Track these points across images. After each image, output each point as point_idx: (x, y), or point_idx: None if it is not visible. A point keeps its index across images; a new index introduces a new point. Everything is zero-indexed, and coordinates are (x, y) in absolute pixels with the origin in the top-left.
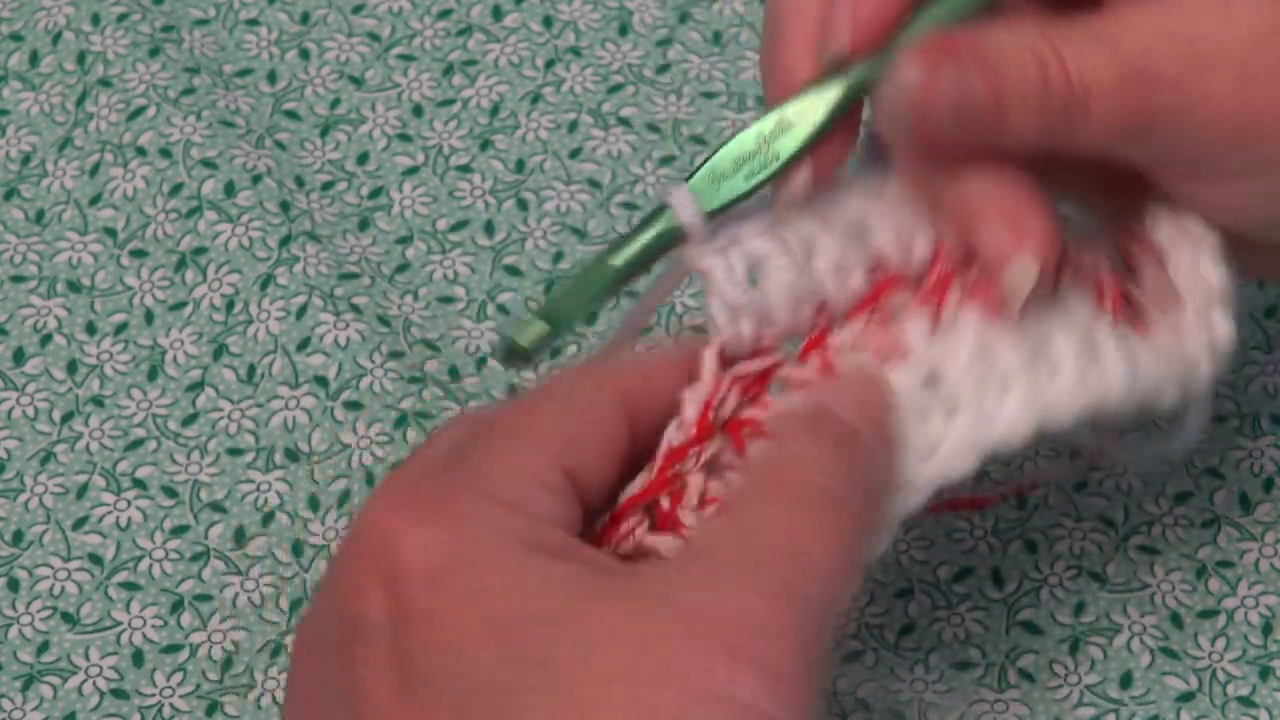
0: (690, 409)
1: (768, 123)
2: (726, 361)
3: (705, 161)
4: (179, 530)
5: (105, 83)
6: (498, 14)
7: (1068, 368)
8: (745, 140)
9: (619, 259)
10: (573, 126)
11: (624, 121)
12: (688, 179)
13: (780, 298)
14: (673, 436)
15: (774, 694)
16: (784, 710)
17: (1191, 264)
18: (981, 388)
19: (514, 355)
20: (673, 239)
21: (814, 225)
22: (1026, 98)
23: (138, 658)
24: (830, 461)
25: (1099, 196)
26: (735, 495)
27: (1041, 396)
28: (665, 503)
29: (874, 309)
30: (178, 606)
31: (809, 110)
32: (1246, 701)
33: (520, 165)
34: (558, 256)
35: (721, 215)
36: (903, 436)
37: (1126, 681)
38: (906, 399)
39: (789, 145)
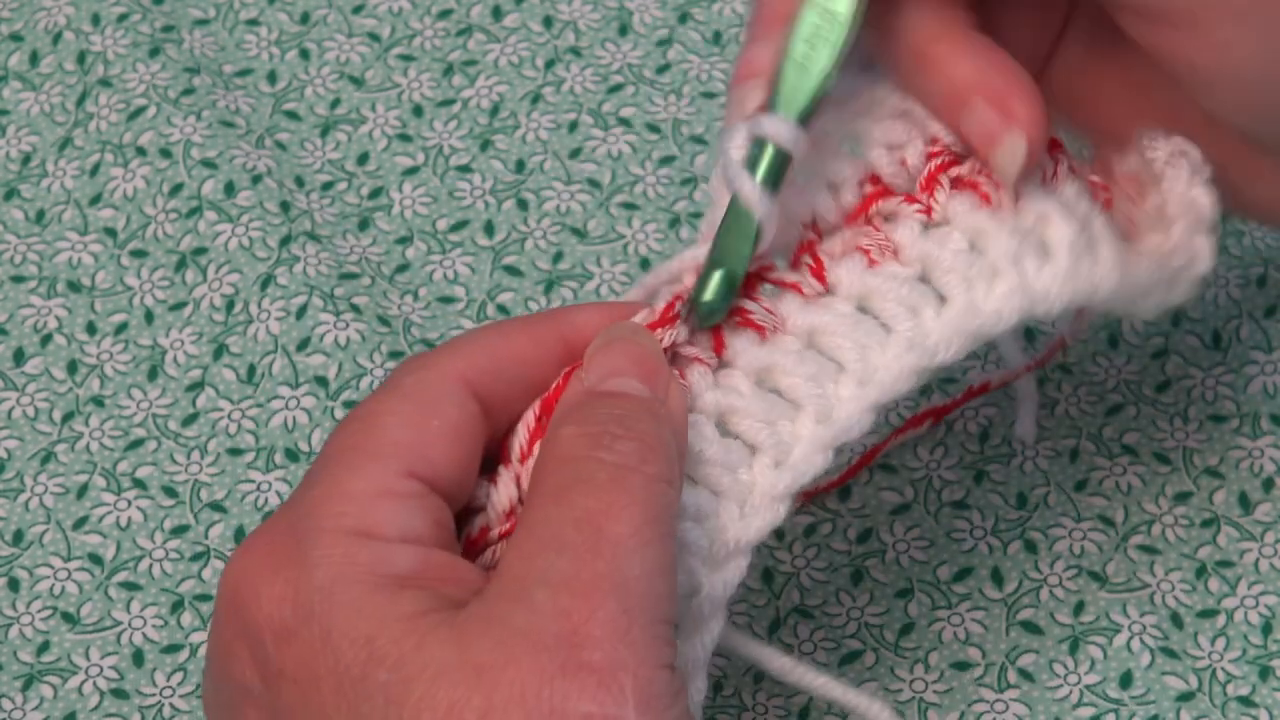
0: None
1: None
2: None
3: (782, 65)
4: (179, 530)
5: (105, 83)
6: (498, 14)
7: (1062, 254)
8: (806, 23)
9: (758, 180)
10: (573, 126)
11: (624, 121)
12: (770, 105)
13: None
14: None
15: (611, 693)
16: (628, 709)
17: (1185, 186)
18: (970, 276)
19: (708, 313)
20: (785, 160)
21: (807, 142)
22: None
23: (138, 658)
24: (602, 435)
25: (1098, 118)
26: (526, 503)
27: (1031, 284)
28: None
29: (866, 217)
30: (178, 606)
31: None
32: (1246, 701)
33: (520, 165)
34: (558, 256)
35: (817, 106)
36: (893, 331)
37: (1126, 681)
38: (897, 295)
39: (842, 3)
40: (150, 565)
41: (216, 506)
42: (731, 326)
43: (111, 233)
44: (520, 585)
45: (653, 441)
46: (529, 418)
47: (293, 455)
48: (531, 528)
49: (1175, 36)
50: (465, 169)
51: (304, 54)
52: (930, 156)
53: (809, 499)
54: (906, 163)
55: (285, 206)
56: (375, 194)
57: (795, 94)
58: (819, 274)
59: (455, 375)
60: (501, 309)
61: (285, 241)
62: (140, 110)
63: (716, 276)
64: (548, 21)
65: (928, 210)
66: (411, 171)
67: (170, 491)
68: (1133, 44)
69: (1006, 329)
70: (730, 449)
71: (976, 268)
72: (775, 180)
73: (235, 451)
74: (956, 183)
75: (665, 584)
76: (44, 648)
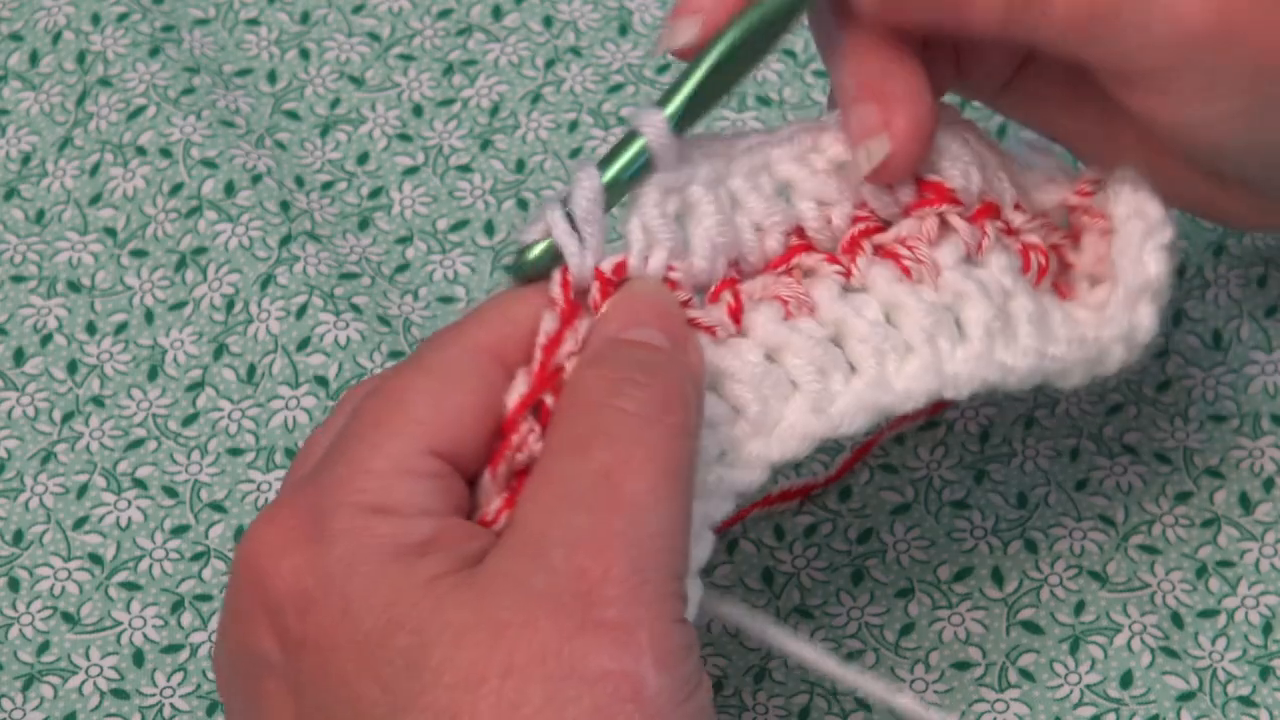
0: (555, 289)
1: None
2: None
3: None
4: (179, 530)
5: (105, 82)
6: (498, 14)
7: (977, 337)
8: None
9: (605, 177)
10: (573, 126)
11: (624, 121)
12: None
13: (701, 243)
14: (548, 328)
15: (629, 650)
16: (645, 663)
17: (1137, 246)
18: (883, 349)
19: (522, 271)
20: (647, 160)
21: (743, 180)
22: None
23: (138, 658)
24: (624, 381)
25: (1072, 130)
26: (545, 449)
27: (943, 365)
28: (550, 400)
29: (787, 267)
30: (178, 606)
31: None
32: (1246, 701)
33: (520, 165)
34: None
35: (692, 115)
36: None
37: (1127, 681)
38: (810, 354)
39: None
40: (150, 565)
41: (217, 506)
42: None
43: (111, 232)
44: (538, 543)
45: (674, 391)
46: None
47: (293, 455)
48: (549, 480)
49: (1151, 98)
50: (465, 169)
51: (304, 54)
52: (855, 220)
53: (806, 497)
54: (832, 222)
55: (285, 206)
56: (375, 194)
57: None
58: (735, 314)
59: (479, 347)
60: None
61: (285, 241)
62: (140, 110)
63: (540, 246)
64: (548, 21)
65: (847, 273)
66: (411, 171)
67: (170, 491)
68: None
69: (914, 408)
70: None
71: (890, 341)
72: (627, 175)
73: (235, 451)
74: (879, 250)
75: (680, 539)
76: (44, 648)
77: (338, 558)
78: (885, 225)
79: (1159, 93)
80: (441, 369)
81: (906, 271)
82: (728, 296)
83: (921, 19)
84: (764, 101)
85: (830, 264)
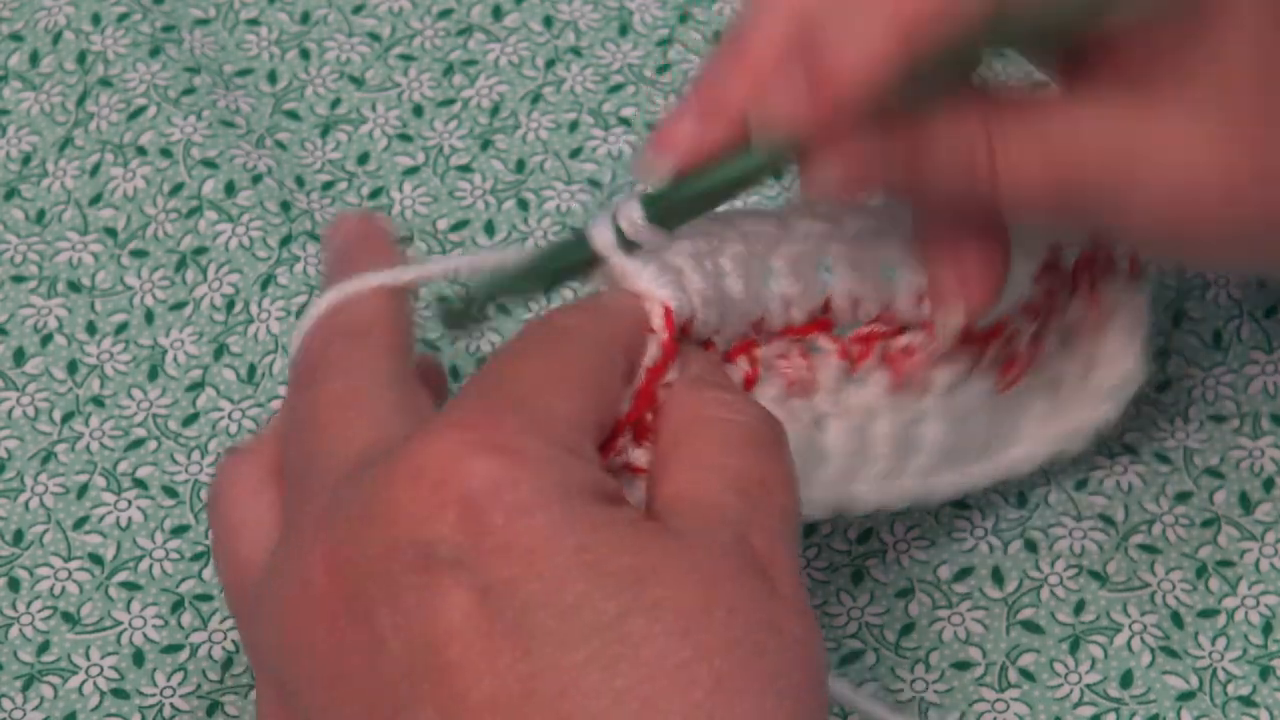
0: (655, 318)
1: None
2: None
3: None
4: (179, 530)
5: (105, 82)
6: (498, 14)
7: (934, 453)
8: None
9: (557, 264)
10: (573, 126)
11: (624, 121)
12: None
13: (735, 302)
14: (653, 354)
15: (805, 621)
16: (815, 637)
17: (1124, 344)
18: (853, 451)
19: (452, 322)
20: (592, 261)
21: (783, 259)
22: (949, 188)
23: (138, 658)
24: (742, 409)
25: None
26: (684, 442)
27: (898, 480)
28: (649, 418)
29: (802, 340)
30: (178, 606)
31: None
32: (1247, 701)
33: (520, 165)
34: None
35: (671, 223)
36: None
37: (1127, 681)
38: (795, 430)
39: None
40: (150, 565)
41: None
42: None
43: (111, 232)
44: (715, 514)
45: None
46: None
47: None
48: (695, 465)
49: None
50: (465, 169)
51: (304, 54)
52: (879, 318)
53: None
54: (857, 313)
55: (285, 206)
56: (375, 194)
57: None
58: (750, 383)
59: (619, 341)
60: (501, 309)
61: (285, 241)
62: (140, 110)
63: (453, 304)
64: (548, 21)
65: (855, 363)
66: (411, 171)
67: (170, 491)
68: None
69: (864, 511)
70: None
71: (862, 445)
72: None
73: None
74: (887, 356)
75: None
76: (44, 648)
77: (549, 478)
78: (901, 331)
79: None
80: (595, 347)
81: (899, 380)
82: (744, 363)
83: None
84: None
85: (841, 350)
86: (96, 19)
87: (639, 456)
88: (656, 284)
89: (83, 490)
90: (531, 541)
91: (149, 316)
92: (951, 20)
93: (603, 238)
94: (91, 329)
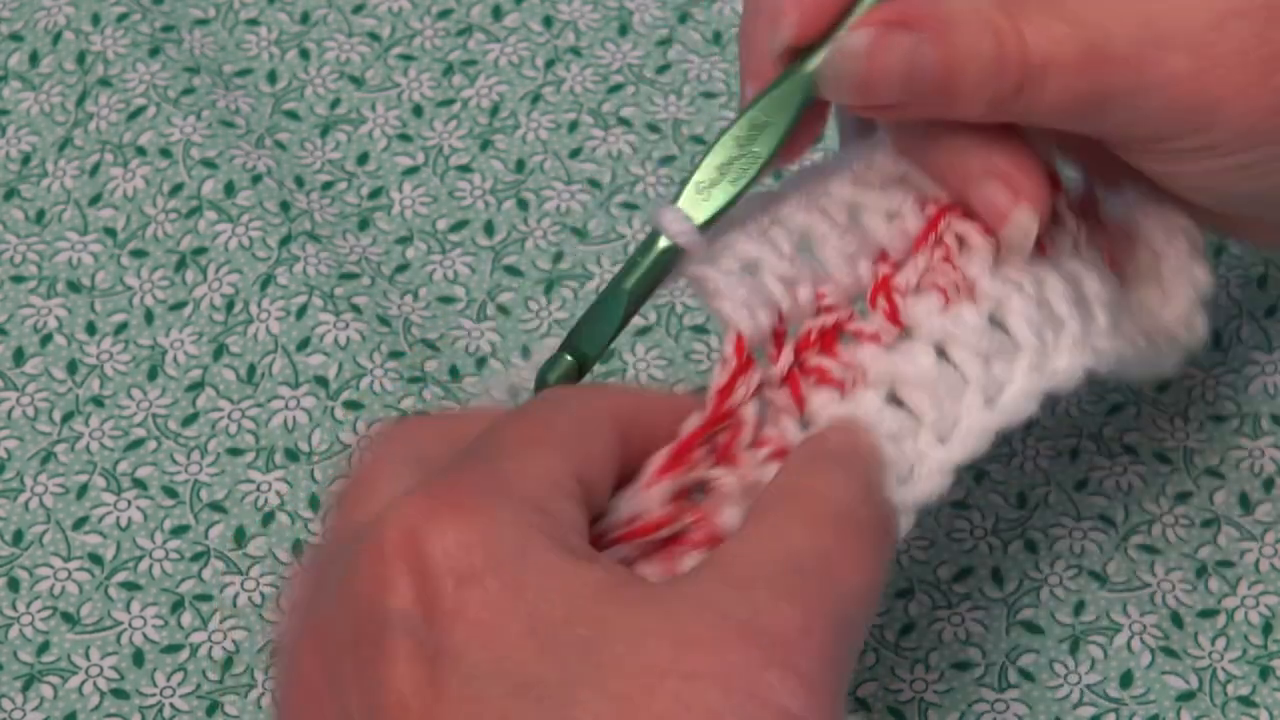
0: (727, 346)
1: (741, 127)
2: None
3: (688, 178)
4: (179, 530)
5: (105, 83)
6: (498, 14)
7: (1101, 315)
8: (724, 147)
9: (629, 282)
10: (573, 126)
11: (624, 121)
12: (674, 198)
13: (831, 261)
14: (718, 378)
15: (809, 701)
16: (818, 717)
17: (1186, 261)
18: (1042, 328)
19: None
20: (673, 256)
21: (816, 215)
22: (980, 71)
23: (138, 658)
24: (846, 486)
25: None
26: (761, 508)
27: (1090, 344)
28: (723, 438)
29: (937, 239)
30: (178, 606)
31: (778, 108)
32: (1246, 701)
33: (520, 165)
34: (558, 256)
35: (716, 222)
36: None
37: (1127, 681)
38: (976, 344)
39: (765, 146)
40: (150, 565)
41: (216, 506)
42: (810, 385)
43: (111, 233)
44: (747, 581)
45: (892, 518)
46: (659, 458)
47: (293, 455)
48: (773, 535)
49: (1149, 159)
50: (465, 169)
51: (304, 54)
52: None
53: None
54: (908, 232)
55: (285, 206)
56: (375, 194)
57: (707, 193)
58: (894, 317)
59: (612, 408)
60: (502, 309)
61: (285, 241)
62: (140, 110)
63: (566, 361)
64: (548, 21)
65: (999, 248)
66: (411, 171)
67: (170, 491)
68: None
69: (1070, 389)
70: None
71: (1049, 321)
72: (664, 267)
73: (235, 451)
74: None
75: (860, 639)
76: (44, 648)
77: (510, 542)
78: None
79: (1156, 155)
80: (578, 413)
81: (1043, 249)
82: (883, 302)
83: (903, 109)
84: None
85: (984, 235)
86: (96, 19)
87: (718, 475)
88: (732, 306)
89: (82, 490)
90: (479, 612)
91: (149, 316)
92: None
93: (691, 243)
94: (91, 329)
